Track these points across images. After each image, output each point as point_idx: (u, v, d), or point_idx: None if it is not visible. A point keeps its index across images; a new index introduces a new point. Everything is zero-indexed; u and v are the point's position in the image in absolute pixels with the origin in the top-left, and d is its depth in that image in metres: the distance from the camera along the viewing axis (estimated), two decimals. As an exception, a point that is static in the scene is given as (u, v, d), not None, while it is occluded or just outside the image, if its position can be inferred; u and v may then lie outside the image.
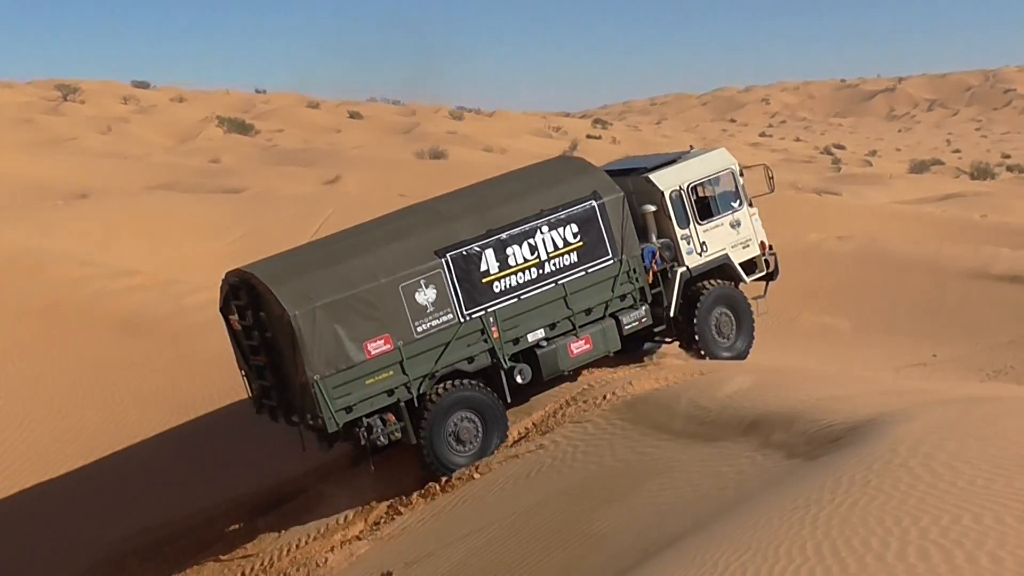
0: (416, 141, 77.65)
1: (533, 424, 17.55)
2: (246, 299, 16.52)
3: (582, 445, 16.34)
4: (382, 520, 16.67)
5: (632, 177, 18.88)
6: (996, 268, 31.68)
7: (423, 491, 16.80)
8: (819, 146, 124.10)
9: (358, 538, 16.47)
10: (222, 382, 23.20)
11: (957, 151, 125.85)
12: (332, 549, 16.37)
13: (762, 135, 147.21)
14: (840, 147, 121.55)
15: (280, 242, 37.03)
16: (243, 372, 17.52)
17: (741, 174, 19.52)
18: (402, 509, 16.66)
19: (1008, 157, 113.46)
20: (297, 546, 16.71)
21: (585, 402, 17.62)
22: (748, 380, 16.88)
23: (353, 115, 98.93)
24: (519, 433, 17.52)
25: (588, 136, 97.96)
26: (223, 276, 17.07)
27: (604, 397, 17.49)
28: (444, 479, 16.86)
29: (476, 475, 16.68)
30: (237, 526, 18.27)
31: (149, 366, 24.50)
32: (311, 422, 16.47)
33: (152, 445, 21.80)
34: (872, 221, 41.85)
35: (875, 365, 24.46)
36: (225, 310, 17.21)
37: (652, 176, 18.89)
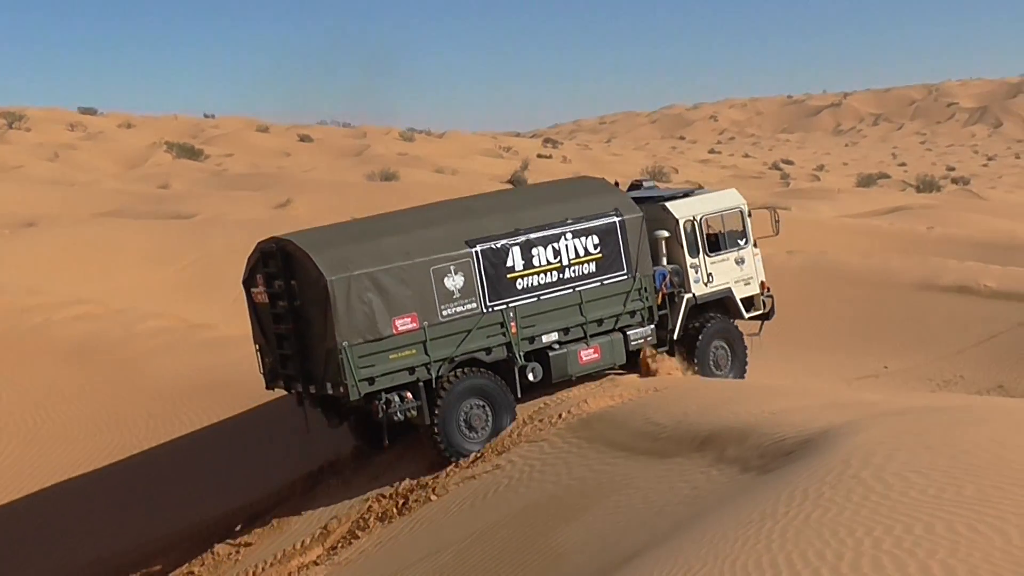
0: (367, 163, 77.54)
1: (489, 444, 17.56)
2: (278, 266, 17.01)
3: (538, 464, 16.37)
4: (339, 545, 16.60)
5: (648, 205, 19.67)
6: (943, 279, 32.09)
7: (381, 514, 16.76)
8: (768, 162, 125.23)
9: (315, 563, 16.38)
10: (175, 408, 23.04)
11: (903, 164, 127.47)
12: (290, 574, 16.27)
13: (711, 152, 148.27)
14: (788, 162, 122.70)
15: (232, 267, 36.88)
16: (257, 347, 17.88)
17: (749, 215, 20.49)
18: (359, 533, 16.60)
19: (953, 170, 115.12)
20: (254, 572, 16.59)
21: (541, 421, 17.67)
22: (702, 396, 17.00)
23: (303, 138, 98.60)
24: (475, 453, 17.53)
25: (539, 155, 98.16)
26: (255, 245, 17.49)
27: (560, 416, 17.54)
28: (401, 502, 16.83)
29: (433, 496, 16.66)
30: (193, 554, 18.09)
31: (100, 394, 24.28)
32: (331, 391, 16.81)
33: (104, 473, 21.58)
34: (821, 235, 42.26)
35: (826, 377, 24.68)
36: (249, 282, 17.67)
37: (668, 205, 19.83)
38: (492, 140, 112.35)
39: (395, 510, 16.70)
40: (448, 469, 17.26)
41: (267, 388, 18.27)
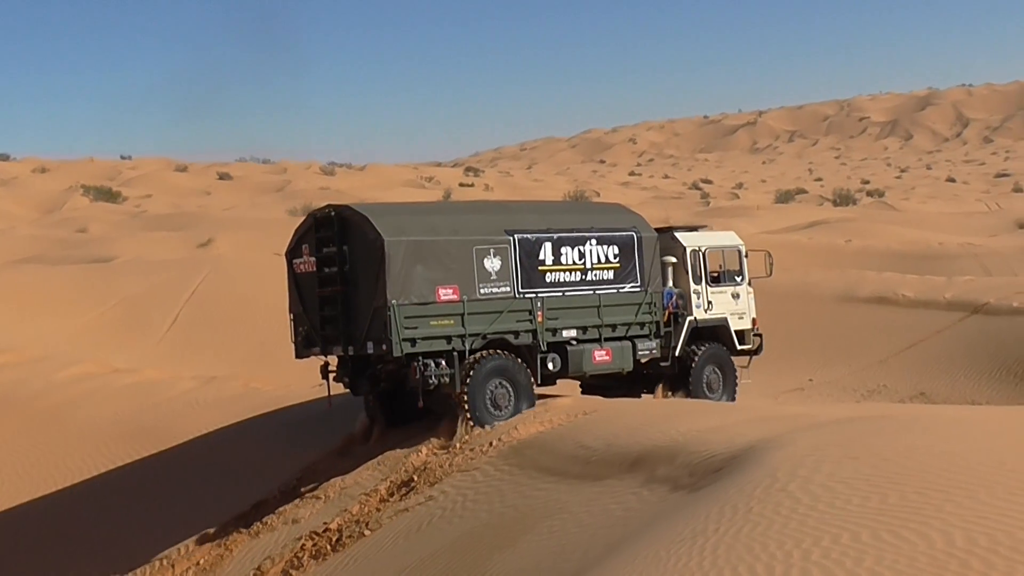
0: (288, 199, 77.16)
1: (420, 475, 17.49)
2: (332, 231, 18.30)
3: (471, 494, 16.34)
4: (273, 585, 16.41)
5: (660, 233, 21.31)
6: (863, 291, 32.67)
7: (314, 552, 16.61)
8: (687, 182, 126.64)
9: (250, 605, 16.17)
10: (100, 454, 22.71)
11: (819, 180, 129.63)
12: (223, 619, 16.05)
13: (631, 174, 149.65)
14: (707, 182, 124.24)
15: (154, 309, 36.52)
16: (292, 316, 19.07)
17: (746, 255, 22.30)
18: (294, 573, 16.43)
19: (867, 183, 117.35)
20: (187, 618, 16.35)
21: (472, 450, 17.66)
22: (630, 417, 17.11)
23: (222, 176, 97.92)
24: (405, 484, 17.46)
25: (461, 184, 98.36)
26: (307, 214, 18.66)
27: (490, 444, 17.55)
28: (335, 539, 16.68)
29: (367, 531, 16.55)
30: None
31: (23, 444, 23.83)
32: (372, 350, 18.01)
33: (29, 516, 21.20)
34: (742, 252, 42.69)
35: (753, 393, 24.95)
36: (293, 252, 18.95)
37: (677, 234, 21.74)
38: (414, 171, 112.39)
39: (329, 547, 16.56)
40: (378, 503, 17.17)
41: (297, 357, 19.23)
